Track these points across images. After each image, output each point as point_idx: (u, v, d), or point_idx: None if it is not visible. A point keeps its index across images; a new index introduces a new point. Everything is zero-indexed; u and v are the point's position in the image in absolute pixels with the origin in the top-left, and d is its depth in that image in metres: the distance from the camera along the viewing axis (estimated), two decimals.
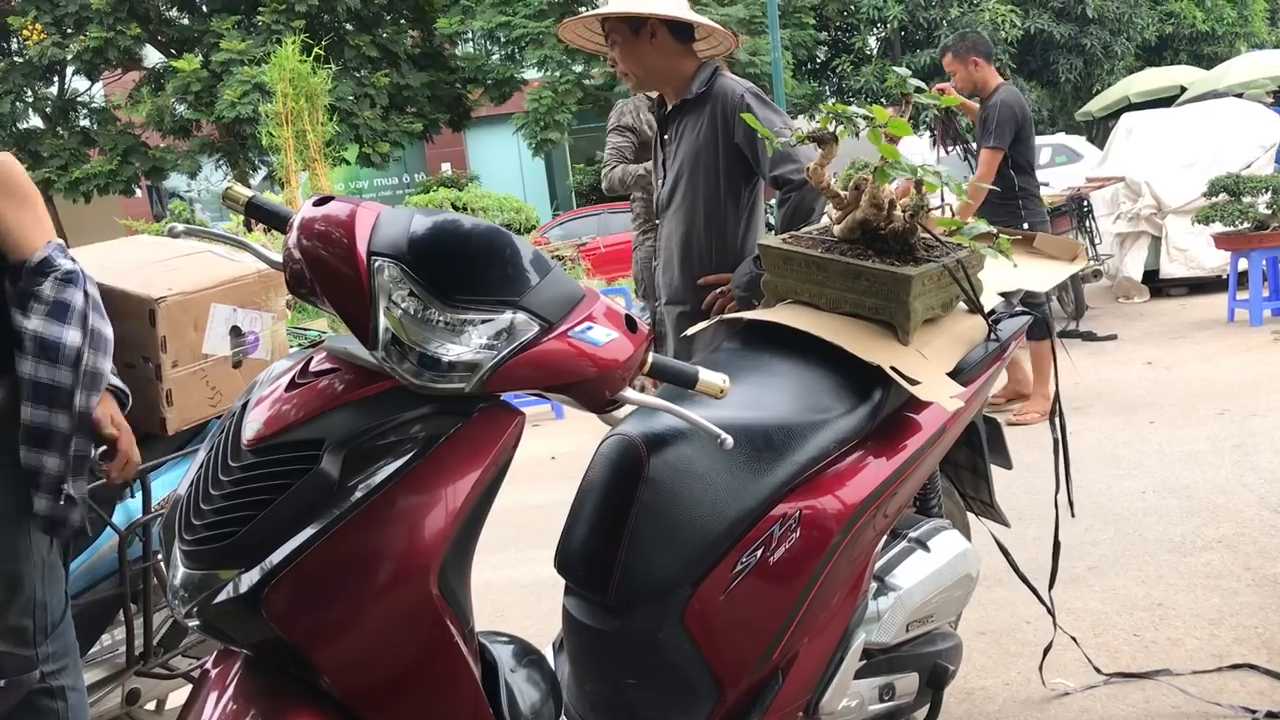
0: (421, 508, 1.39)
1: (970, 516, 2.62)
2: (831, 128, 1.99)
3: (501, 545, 4.14)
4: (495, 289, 1.44)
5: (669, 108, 3.02)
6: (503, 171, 24.92)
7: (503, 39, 17.60)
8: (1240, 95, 11.87)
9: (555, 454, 5.66)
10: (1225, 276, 8.19)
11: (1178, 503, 3.93)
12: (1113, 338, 7.57)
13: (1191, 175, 8.66)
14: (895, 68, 2.04)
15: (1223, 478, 4.15)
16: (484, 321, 1.41)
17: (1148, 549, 3.54)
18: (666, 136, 3.04)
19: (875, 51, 19.82)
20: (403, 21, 19.18)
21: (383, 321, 1.38)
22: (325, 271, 1.42)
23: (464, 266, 1.43)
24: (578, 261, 13.41)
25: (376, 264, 1.40)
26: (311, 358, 1.48)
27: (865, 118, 1.91)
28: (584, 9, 17.43)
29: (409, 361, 1.38)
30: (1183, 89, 17.19)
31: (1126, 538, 3.66)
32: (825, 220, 2.25)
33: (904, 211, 2.01)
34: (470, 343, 1.40)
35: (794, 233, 2.23)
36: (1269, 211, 7.62)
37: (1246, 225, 7.61)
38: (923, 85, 2.03)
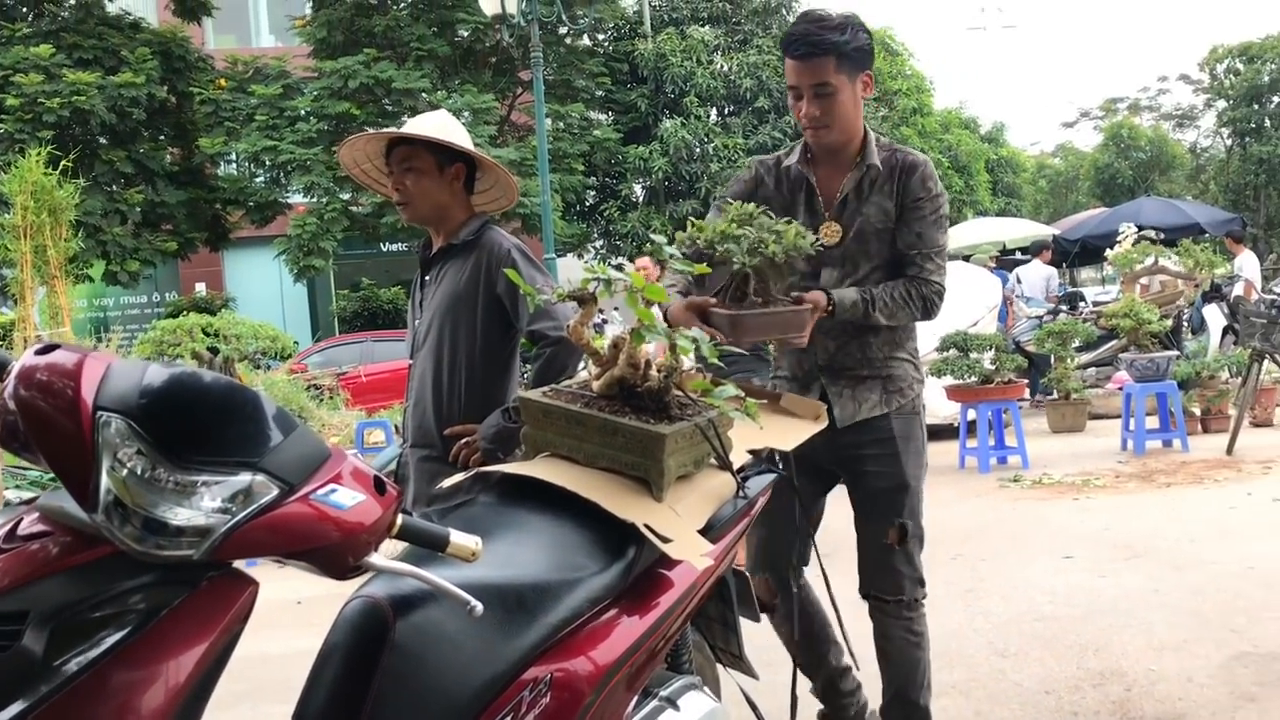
0: (138, 686, 1.28)
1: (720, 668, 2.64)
2: (591, 288, 2.03)
3: (236, 700, 3.87)
4: (233, 448, 1.37)
5: (434, 249, 3.04)
6: (262, 294, 24.17)
7: (268, 163, 17.29)
8: (968, 258, 12.94)
9: (301, 598, 5.39)
10: (957, 425, 8.79)
11: None
12: None
13: (926, 330, 9.32)
14: (654, 235, 2.12)
15: (955, 623, 4.37)
16: (218, 483, 1.34)
17: None
18: (428, 277, 3.06)
19: (641, 199, 20.63)
20: (162, 138, 18.56)
21: (105, 481, 1.29)
22: (43, 425, 1.32)
23: (199, 424, 1.36)
24: (337, 391, 13.05)
25: (102, 419, 1.31)
26: (21, 519, 1.35)
27: (624, 280, 1.96)
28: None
29: (132, 525, 1.29)
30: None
31: (866, 683, 3.76)
32: (584, 375, 2.27)
33: (659, 371, 2.06)
34: (202, 506, 1.32)
35: (554, 386, 2.24)
36: (993, 367, 8.28)
37: (974, 379, 8.24)
38: (676, 253, 2.12)
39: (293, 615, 5.16)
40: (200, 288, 22.88)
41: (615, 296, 2.07)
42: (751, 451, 2.36)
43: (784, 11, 21.30)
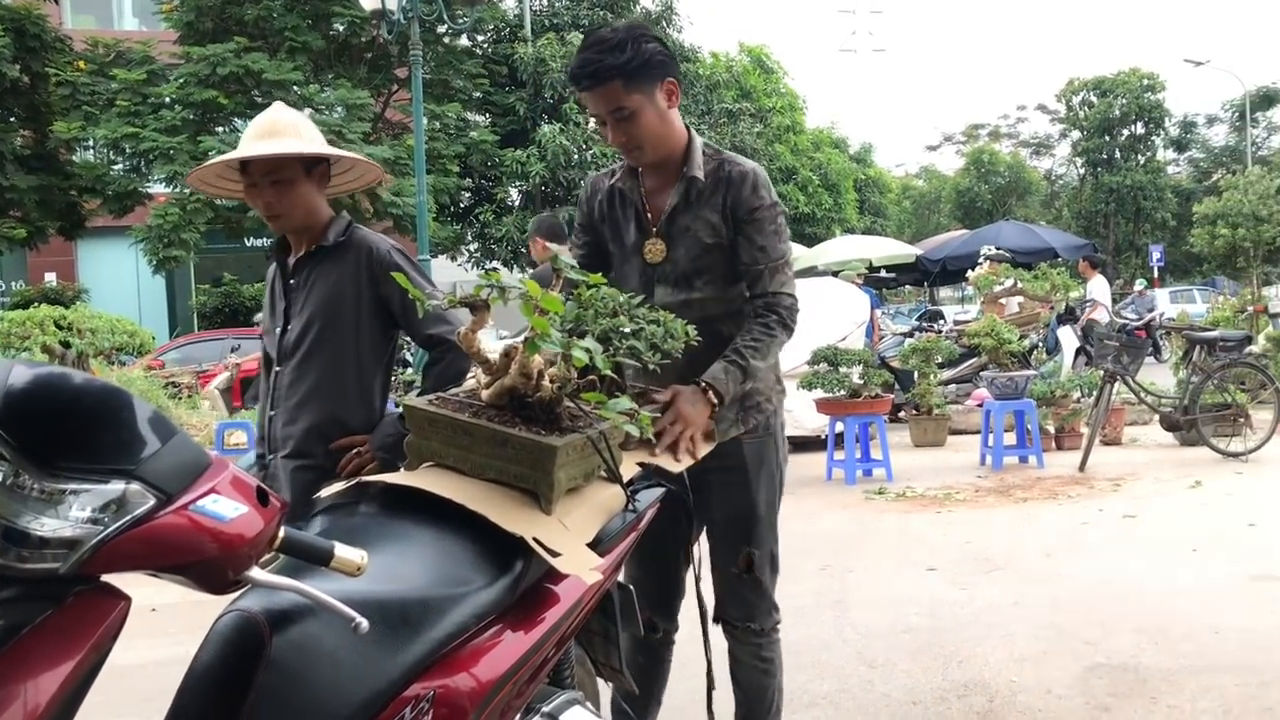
0: None
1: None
2: (485, 295, 1.98)
3: (88, 715, 3.66)
4: (105, 455, 1.28)
5: (297, 253, 2.89)
6: (118, 287, 23.26)
7: (128, 150, 16.61)
8: (837, 274, 13.21)
9: (155, 605, 5.15)
10: (824, 437, 8.95)
11: (786, 659, 4.11)
12: None
13: (797, 343, 9.47)
14: (557, 246, 2.08)
15: (826, 633, 4.43)
16: (88, 492, 1.25)
17: None
18: (293, 282, 2.89)
19: (517, 203, 20.51)
20: (13, 120, 17.66)
21: None
22: None
23: (69, 428, 1.27)
24: (196, 389, 12.60)
25: None
26: None
27: (518, 289, 1.92)
28: (221, 129, 16.85)
29: None
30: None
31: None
32: (472, 383, 2.22)
33: (552, 382, 2.02)
34: (70, 516, 1.24)
35: (441, 395, 2.18)
36: (861, 382, 8.46)
37: (843, 393, 8.40)
38: (574, 264, 2.08)
39: (147, 623, 4.93)
40: (50, 278, 21.89)
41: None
42: (641, 464, 2.33)
43: (664, 23, 21.46)
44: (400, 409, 2.78)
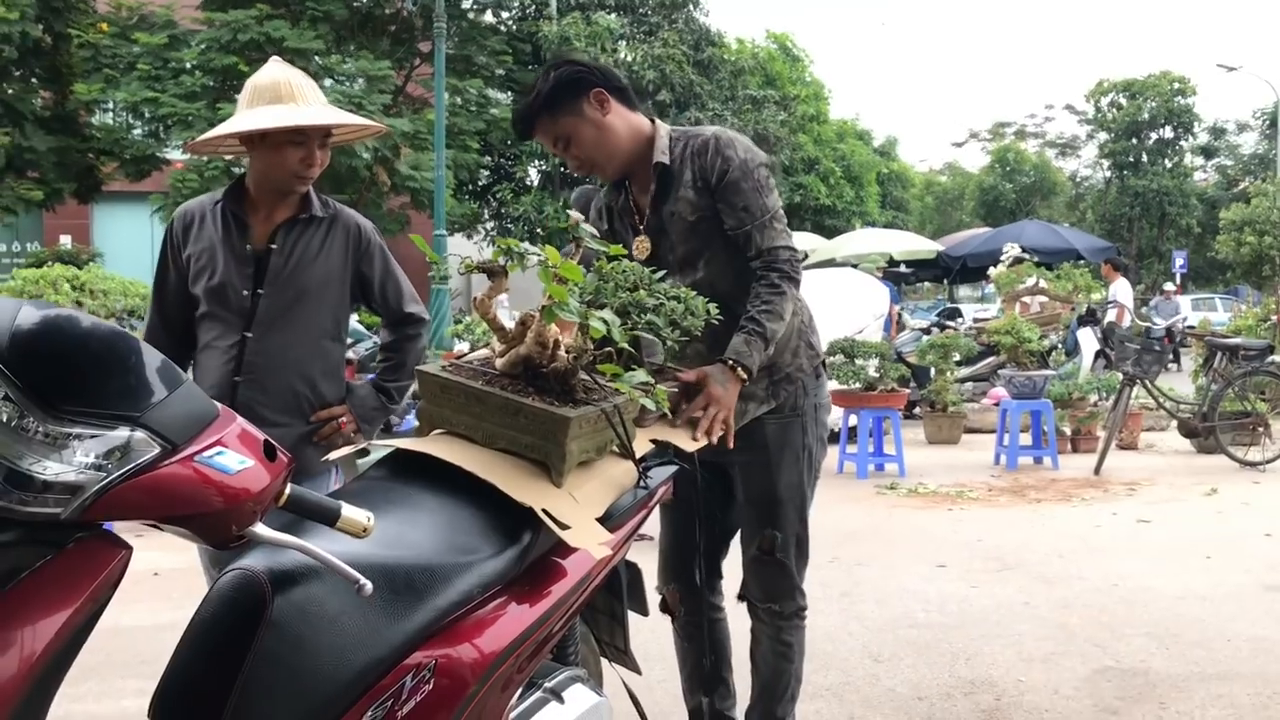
0: None
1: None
2: (502, 261, 1.94)
3: (85, 674, 3.65)
4: (111, 401, 1.25)
5: (279, 219, 2.79)
6: (133, 251, 23.26)
7: (148, 114, 16.57)
8: (856, 266, 13.14)
9: (158, 569, 5.15)
10: (837, 430, 8.90)
11: None
12: None
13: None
14: (571, 210, 2.04)
15: (831, 625, 4.39)
16: (93, 437, 1.22)
17: None
18: (274, 246, 2.76)
19: (536, 183, 20.45)
20: (34, 80, 17.63)
21: None
22: None
23: (76, 372, 1.24)
24: None
25: None
26: None
27: (536, 255, 1.88)
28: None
29: None
30: (806, 254, 18.94)
31: (743, 684, 3.75)
32: (487, 351, 2.18)
33: (568, 353, 1.99)
34: (73, 460, 1.21)
35: (455, 362, 2.15)
36: (877, 375, 8.40)
37: (858, 385, 8.34)
38: (594, 231, 2.05)
39: (149, 587, 4.93)
40: (65, 240, 21.90)
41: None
42: (654, 441, 2.30)
43: (690, 6, 21.34)
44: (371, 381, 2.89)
